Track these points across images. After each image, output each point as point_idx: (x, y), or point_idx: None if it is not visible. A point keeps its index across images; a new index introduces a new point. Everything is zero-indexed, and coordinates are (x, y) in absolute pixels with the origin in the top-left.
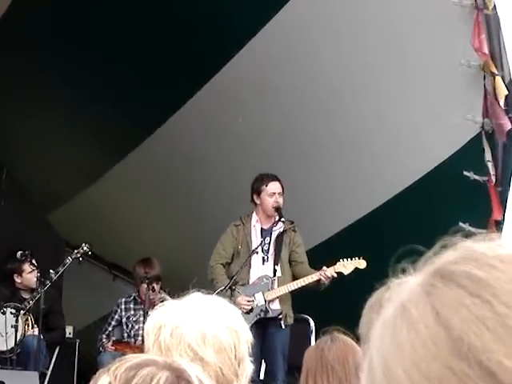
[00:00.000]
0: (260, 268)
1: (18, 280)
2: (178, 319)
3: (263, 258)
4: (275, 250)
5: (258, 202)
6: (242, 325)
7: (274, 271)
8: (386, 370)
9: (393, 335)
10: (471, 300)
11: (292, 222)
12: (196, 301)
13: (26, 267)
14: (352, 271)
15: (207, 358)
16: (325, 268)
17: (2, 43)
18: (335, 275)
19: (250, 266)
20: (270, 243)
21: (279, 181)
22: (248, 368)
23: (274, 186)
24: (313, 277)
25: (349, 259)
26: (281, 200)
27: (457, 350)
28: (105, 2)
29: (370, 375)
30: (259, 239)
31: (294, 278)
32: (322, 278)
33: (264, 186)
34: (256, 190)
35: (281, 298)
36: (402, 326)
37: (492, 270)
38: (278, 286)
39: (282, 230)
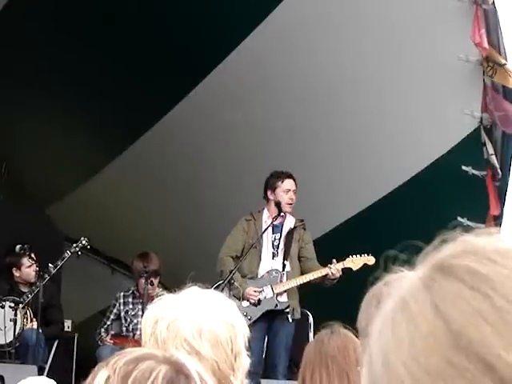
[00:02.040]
0: (270, 262)
1: (16, 274)
2: (175, 313)
3: (273, 253)
4: (285, 245)
5: (271, 197)
6: (238, 319)
7: (283, 266)
8: (385, 364)
9: (392, 329)
10: (470, 294)
11: (302, 220)
12: (193, 295)
13: (25, 261)
14: (360, 267)
15: (203, 351)
16: (334, 261)
17: (0, 36)
18: (340, 269)
19: (259, 260)
20: (280, 239)
21: (294, 179)
22: (245, 362)
23: (289, 183)
24: (321, 271)
25: (358, 255)
26: (294, 197)
27: (456, 343)
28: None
29: (370, 369)
30: (270, 235)
31: (303, 273)
32: (331, 273)
33: (280, 183)
34: (271, 186)
35: (289, 292)
36: (401, 320)
37: (492, 263)
38: (288, 280)
39: (292, 226)
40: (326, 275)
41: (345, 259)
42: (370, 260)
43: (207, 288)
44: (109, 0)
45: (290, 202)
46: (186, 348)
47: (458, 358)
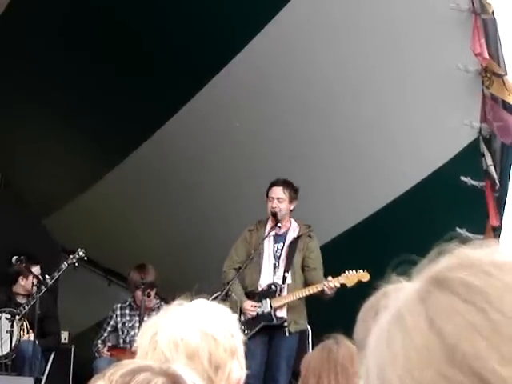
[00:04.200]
0: (271, 274)
1: (22, 283)
2: (157, 326)
3: (274, 264)
4: (287, 256)
5: None
6: (222, 331)
7: (284, 278)
8: (380, 377)
9: (388, 342)
10: (465, 307)
11: (309, 227)
12: (177, 307)
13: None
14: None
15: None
16: (330, 278)
17: (1, 45)
18: (338, 286)
19: (260, 272)
20: (282, 249)
21: (284, 186)
22: (232, 375)
23: (273, 191)
24: (317, 287)
25: (353, 271)
26: (281, 206)
27: (450, 357)
28: (104, 4)
29: (367, 382)
30: (271, 245)
31: (306, 284)
32: (326, 289)
33: (268, 190)
34: (266, 194)
35: (289, 306)
36: (396, 333)
37: (487, 276)
38: (288, 293)
39: (296, 235)
40: (323, 290)
41: (340, 275)
42: (365, 276)
43: (208, 299)
44: (110, 2)
45: (271, 211)
46: (163, 361)
47: (452, 371)
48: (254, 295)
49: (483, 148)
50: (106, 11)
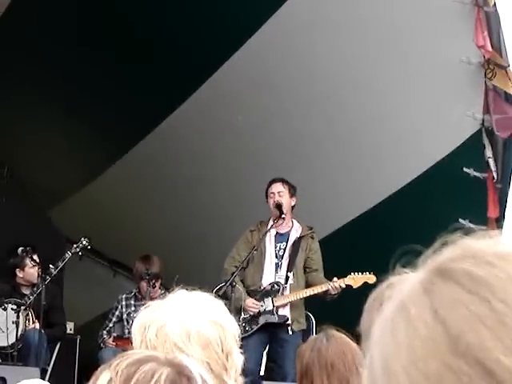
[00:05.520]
0: (273, 274)
1: (20, 275)
2: (163, 318)
3: (276, 263)
4: (290, 256)
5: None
6: (227, 318)
7: (287, 278)
8: (385, 367)
9: (392, 333)
10: (469, 298)
11: (311, 228)
12: (179, 298)
13: (28, 262)
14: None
15: (194, 354)
16: (335, 279)
17: (2, 39)
18: (344, 286)
19: (262, 271)
20: (285, 249)
21: (283, 182)
22: (237, 360)
23: (274, 187)
24: (322, 287)
25: (359, 273)
26: (282, 199)
27: (455, 348)
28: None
29: (371, 373)
30: (273, 244)
31: (307, 285)
32: (331, 289)
33: (268, 188)
34: (265, 194)
35: (292, 305)
36: (400, 324)
37: (490, 267)
38: (290, 293)
39: (299, 235)
40: (327, 291)
41: (346, 276)
42: (371, 278)
43: (195, 290)
44: (111, 0)
45: (276, 203)
46: (176, 352)
47: (456, 362)
48: (256, 294)
49: (485, 140)
50: (108, 4)
